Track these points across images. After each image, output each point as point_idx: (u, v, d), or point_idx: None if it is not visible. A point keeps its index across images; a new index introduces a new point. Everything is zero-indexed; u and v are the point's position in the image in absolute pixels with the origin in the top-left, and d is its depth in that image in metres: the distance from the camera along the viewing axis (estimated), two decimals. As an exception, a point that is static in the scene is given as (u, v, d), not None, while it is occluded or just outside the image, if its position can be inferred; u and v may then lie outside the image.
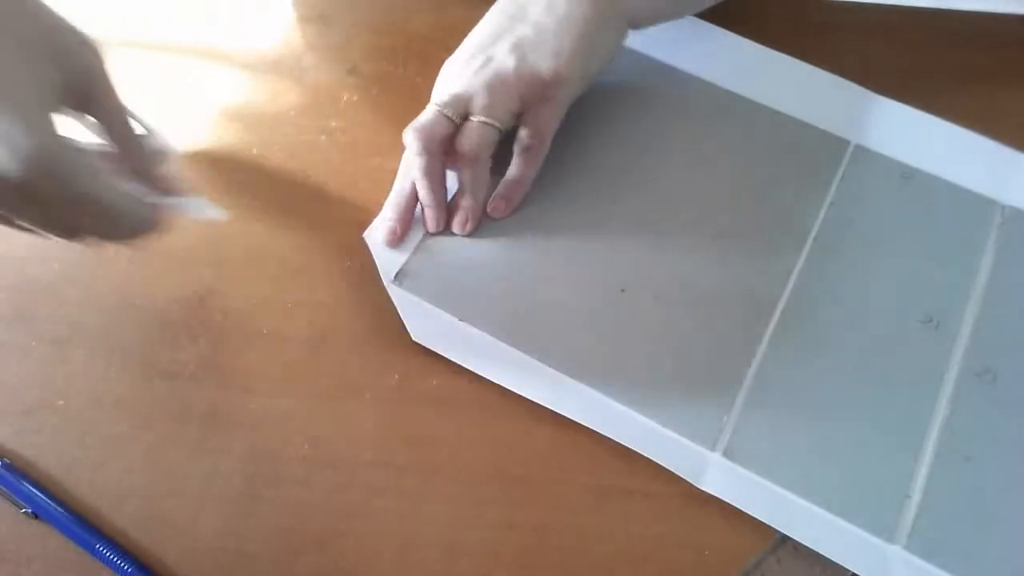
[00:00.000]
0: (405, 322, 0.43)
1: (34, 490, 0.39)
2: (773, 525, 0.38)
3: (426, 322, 0.43)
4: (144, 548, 0.38)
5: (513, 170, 0.45)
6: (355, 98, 0.51)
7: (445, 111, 0.43)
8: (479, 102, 0.43)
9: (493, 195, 0.45)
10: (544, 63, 0.43)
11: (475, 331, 0.43)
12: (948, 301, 0.44)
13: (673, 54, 0.51)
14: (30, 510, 0.39)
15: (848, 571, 0.37)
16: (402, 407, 0.41)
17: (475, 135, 0.43)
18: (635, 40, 0.51)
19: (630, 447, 0.39)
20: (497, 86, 0.43)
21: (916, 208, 0.47)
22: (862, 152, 0.48)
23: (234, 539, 0.39)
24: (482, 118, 0.43)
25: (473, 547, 0.38)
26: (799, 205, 0.47)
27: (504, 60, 0.43)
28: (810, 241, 0.45)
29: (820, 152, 0.48)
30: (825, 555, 0.37)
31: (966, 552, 0.38)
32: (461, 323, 0.43)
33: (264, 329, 0.43)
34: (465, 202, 0.45)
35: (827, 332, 0.43)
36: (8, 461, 0.40)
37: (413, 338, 0.42)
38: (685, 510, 0.39)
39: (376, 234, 0.45)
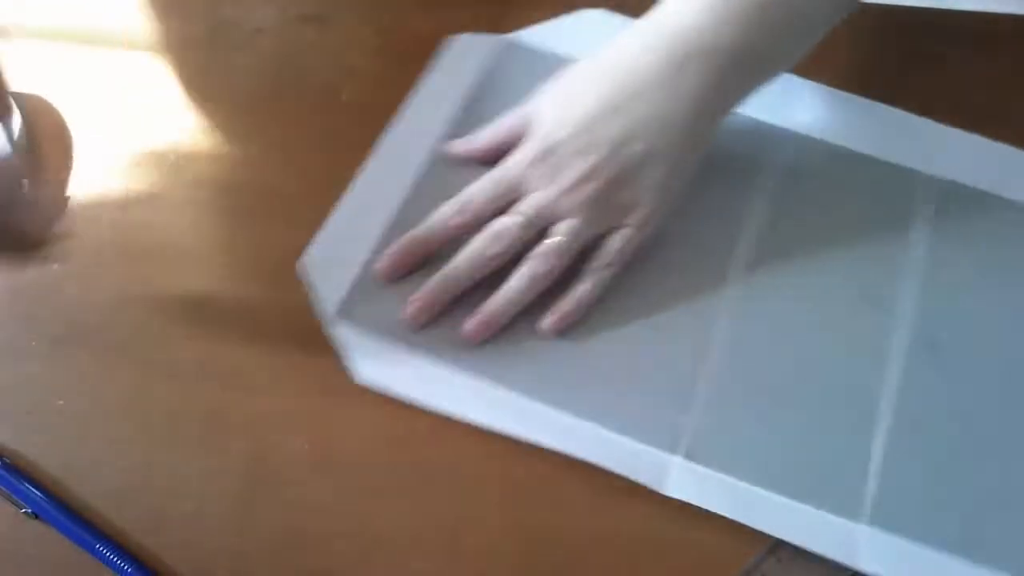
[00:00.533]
0: (348, 363, 0.41)
1: (34, 490, 0.39)
2: (739, 519, 0.38)
3: (373, 358, 0.41)
4: (144, 548, 0.38)
5: (586, 285, 0.42)
6: (355, 98, 0.51)
7: (528, 227, 0.41)
8: (567, 224, 0.41)
9: (556, 308, 0.42)
10: (643, 194, 0.41)
11: (426, 362, 0.41)
12: (887, 277, 0.44)
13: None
14: (30, 510, 0.38)
15: (847, 571, 0.38)
16: (402, 407, 0.41)
17: (556, 256, 0.41)
18: None
19: (591, 461, 0.39)
20: (588, 214, 0.41)
21: (847, 188, 0.47)
22: (792, 136, 0.49)
23: (234, 539, 0.39)
24: (566, 239, 0.41)
25: (473, 547, 0.38)
26: (733, 194, 0.47)
27: (600, 184, 0.41)
28: (748, 229, 0.46)
29: (754, 141, 0.48)
30: (793, 542, 0.38)
31: (929, 521, 0.38)
32: (411, 356, 0.41)
33: (264, 329, 0.43)
34: (497, 306, 0.41)
35: (775, 320, 0.43)
36: (8, 461, 0.40)
37: (358, 380, 0.41)
38: (685, 510, 0.39)
39: (314, 260, 0.43)
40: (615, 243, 0.42)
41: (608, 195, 0.42)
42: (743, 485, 0.39)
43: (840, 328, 0.43)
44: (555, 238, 0.42)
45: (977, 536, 0.38)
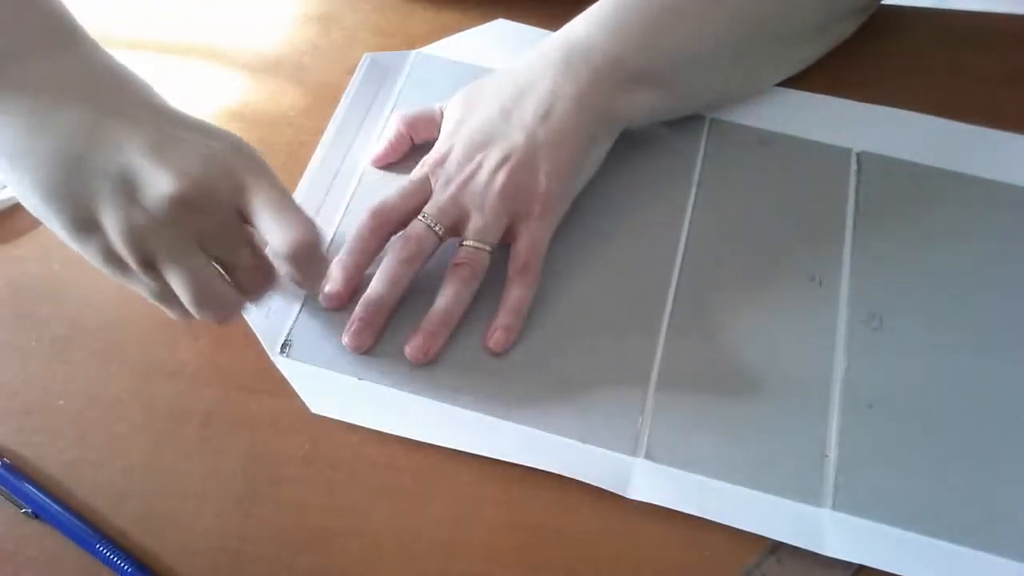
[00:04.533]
0: (300, 394, 0.41)
1: (34, 490, 0.39)
2: (703, 516, 0.38)
3: (323, 389, 0.41)
4: (144, 548, 0.38)
5: (514, 292, 0.42)
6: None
7: (435, 228, 0.42)
8: (473, 224, 0.42)
9: (494, 325, 0.42)
10: (538, 181, 0.42)
11: (378, 388, 0.41)
12: (826, 255, 0.45)
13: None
14: (30, 510, 0.38)
15: (847, 571, 0.37)
16: (402, 407, 0.41)
17: (471, 262, 0.42)
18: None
19: (555, 472, 0.39)
20: (490, 206, 0.42)
21: (779, 171, 0.48)
22: (718, 125, 0.49)
23: (234, 539, 0.39)
24: (476, 243, 0.42)
25: (473, 547, 0.38)
26: (669, 191, 0.47)
27: (496, 175, 0.42)
28: (686, 225, 0.46)
29: (679, 132, 0.48)
30: (758, 533, 0.38)
31: (890, 500, 0.38)
32: (362, 382, 0.41)
33: (264, 329, 0.43)
34: (430, 326, 0.41)
35: (720, 312, 0.43)
36: (8, 461, 0.40)
37: (312, 410, 0.40)
38: (685, 510, 0.39)
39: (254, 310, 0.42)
40: (523, 241, 0.43)
41: (503, 187, 0.42)
42: (704, 480, 0.39)
43: (786, 312, 0.43)
44: (466, 243, 0.42)
45: (937, 509, 0.38)
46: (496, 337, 0.42)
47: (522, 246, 0.43)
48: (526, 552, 0.38)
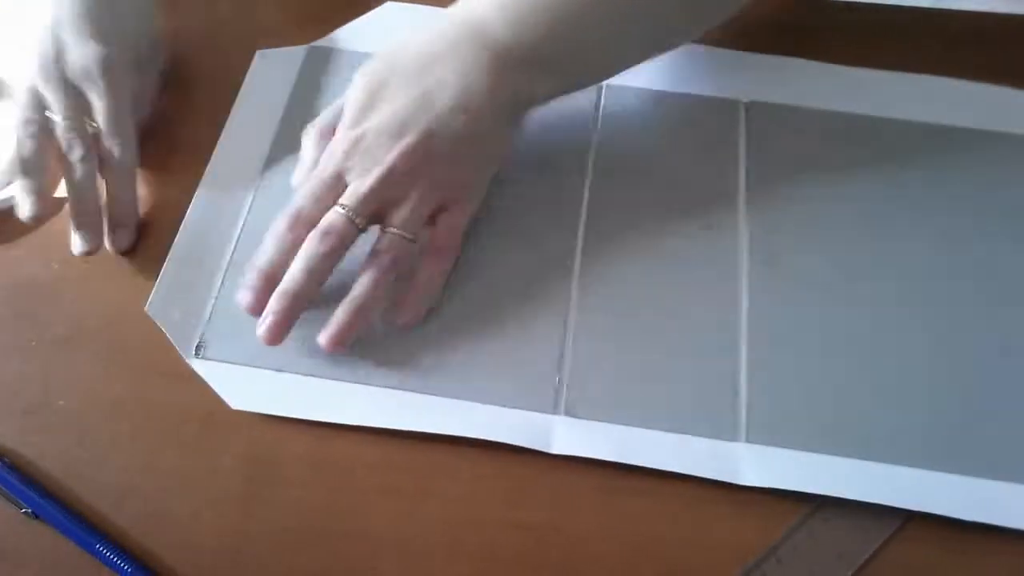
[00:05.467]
0: (219, 393, 0.41)
1: (34, 490, 0.39)
2: (623, 461, 0.39)
3: (242, 386, 0.41)
4: (144, 548, 0.38)
5: (427, 271, 0.42)
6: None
7: (355, 220, 0.41)
8: (398, 214, 0.41)
9: (401, 303, 0.42)
10: (461, 171, 0.42)
11: (295, 378, 0.41)
12: (720, 202, 0.46)
13: None
14: (30, 510, 0.38)
15: (847, 570, 0.38)
16: (402, 407, 0.41)
17: (396, 250, 0.41)
18: None
19: (481, 438, 0.39)
20: (416, 197, 0.41)
21: (673, 129, 0.49)
22: (611, 89, 0.51)
23: (234, 539, 0.39)
24: (400, 231, 0.41)
25: (473, 547, 0.38)
26: (569, 156, 0.48)
27: (420, 166, 0.41)
28: (587, 188, 0.47)
29: (575, 100, 0.48)
30: (676, 471, 0.39)
31: (799, 427, 0.40)
32: (281, 374, 0.41)
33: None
34: (347, 315, 0.41)
35: (625, 266, 0.45)
36: (8, 461, 0.40)
37: (232, 406, 0.40)
38: (686, 510, 0.39)
39: (158, 308, 0.43)
40: (442, 225, 0.43)
41: (423, 174, 0.42)
42: (623, 429, 0.40)
43: (687, 260, 0.45)
44: (390, 230, 0.41)
45: (841, 430, 0.40)
46: (402, 316, 0.42)
47: (441, 229, 0.43)
48: (526, 552, 0.38)
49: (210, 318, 0.43)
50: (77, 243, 0.44)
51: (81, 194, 0.44)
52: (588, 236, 0.45)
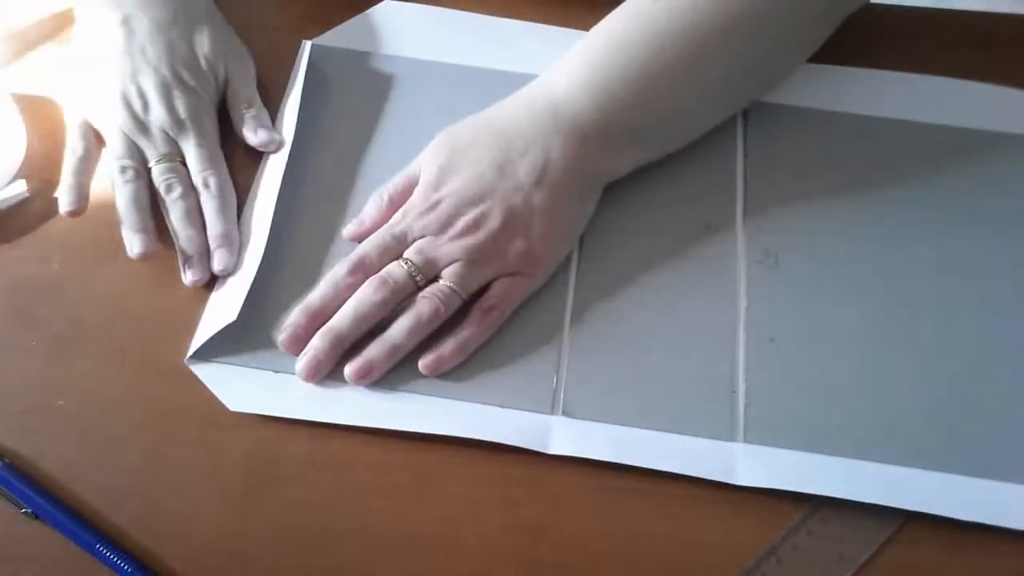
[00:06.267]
0: (217, 395, 0.41)
1: (34, 490, 0.39)
2: (621, 461, 0.39)
3: (240, 387, 0.41)
4: (144, 548, 0.38)
5: (468, 331, 0.42)
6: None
7: (417, 278, 0.41)
8: (455, 271, 0.42)
9: (438, 352, 0.41)
10: (533, 245, 0.42)
11: (295, 379, 0.41)
12: (719, 203, 0.47)
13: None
14: (30, 510, 0.39)
15: (847, 570, 0.38)
16: (402, 407, 0.41)
17: (444, 303, 0.41)
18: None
19: (479, 438, 0.39)
20: (477, 261, 0.42)
21: None
22: None
23: (234, 539, 0.39)
24: (454, 285, 0.41)
25: (473, 547, 0.38)
26: None
27: (495, 236, 0.42)
28: None
29: None
30: (674, 471, 0.39)
31: (794, 425, 0.40)
32: (279, 375, 0.41)
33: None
34: (380, 353, 0.41)
35: (624, 266, 0.45)
36: (8, 461, 0.40)
37: (231, 409, 0.40)
38: (685, 510, 0.39)
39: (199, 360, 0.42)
40: (502, 285, 0.42)
41: (495, 243, 0.42)
42: (621, 429, 0.40)
43: (687, 261, 0.45)
44: (442, 282, 0.42)
45: (837, 430, 0.40)
46: (430, 361, 0.41)
47: (496, 292, 0.42)
48: (526, 552, 0.38)
49: (218, 334, 0.42)
50: (188, 276, 0.44)
51: (184, 231, 0.44)
52: (587, 238, 0.45)
